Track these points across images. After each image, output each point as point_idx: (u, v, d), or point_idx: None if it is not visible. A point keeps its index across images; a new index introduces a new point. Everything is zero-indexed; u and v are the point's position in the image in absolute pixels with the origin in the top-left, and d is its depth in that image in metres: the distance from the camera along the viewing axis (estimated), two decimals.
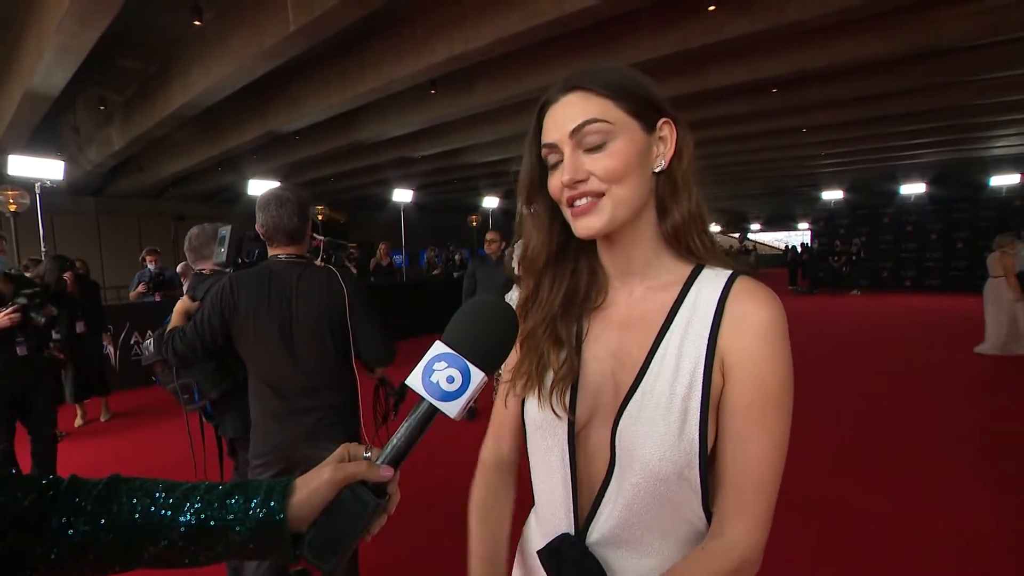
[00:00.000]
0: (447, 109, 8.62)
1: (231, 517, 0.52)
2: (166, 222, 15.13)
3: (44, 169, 6.72)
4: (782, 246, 30.97)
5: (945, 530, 2.52)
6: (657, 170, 0.65)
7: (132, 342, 5.88)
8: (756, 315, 0.61)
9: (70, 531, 0.50)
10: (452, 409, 0.52)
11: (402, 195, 12.93)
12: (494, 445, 0.81)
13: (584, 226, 0.64)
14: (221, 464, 2.09)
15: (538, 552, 0.70)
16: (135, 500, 0.53)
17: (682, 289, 0.66)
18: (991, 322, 6.36)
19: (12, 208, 7.24)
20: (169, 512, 0.52)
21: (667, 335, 0.64)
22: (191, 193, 15.08)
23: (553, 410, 0.67)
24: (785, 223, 33.07)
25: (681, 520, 0.65)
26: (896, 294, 13.97)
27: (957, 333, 6.86)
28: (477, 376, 0.53)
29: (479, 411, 4.03)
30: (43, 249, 6.54)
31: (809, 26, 5.82)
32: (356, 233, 19.34)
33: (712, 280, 0.66)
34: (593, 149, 0.62)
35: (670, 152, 0.65)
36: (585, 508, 0.68)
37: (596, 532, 0.66)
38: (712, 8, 5.61)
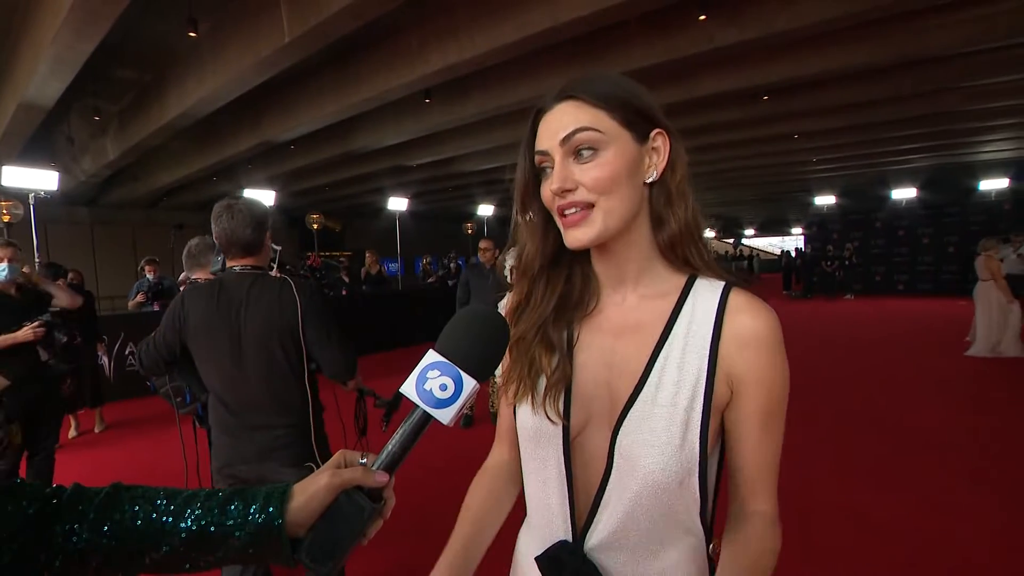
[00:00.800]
0: (442, 118, 8.68)
1: (231, 523, 0.53)
2: (161, 232, 15.09)
3: (38, 179, 6.70)
4: (777, 251, 31.16)
5: (940, 534, 2.53)
6: (649, 180, 0.66)
7: (127, 352, 5.85)
8: (757, 329, 0.63)
9: (74, 538, 0.52)
10: (445, 416, 0.53)
11: (397, 203, 12.94)
12: (499, 451, 0.82)
13: (574, 238, 0.64)
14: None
15: (536, 559, 0.70)
16: (137, 507, 0.54)
17: (678, 299, 0.67)
18: (981, 324, 6.46)
19: (6, 219, 7.22)
20: (170, 519, 0.53)
21: (667, 345, 0.65)
22: (186, 203, 15.06)
23: (547, 416, 0.68)
24: (779, 228, 33.29)
25: (678, 526, 0.66)
26: (889, 298, 14.06)
27: (950, 336, 6.91)
28: (469, 384, 0.54)
29: (475, 420, 4.03)
30: (36, 260, 6.51)
31: (799, 35, 5.91)
32: (351, 241, 19.36)
33: (707, 291, 0.67)
34: (583, 158, 0.63)
35: (663, 163, 0.65)
36: (582, 515, 0.67)
37: (594, 538, 0.66)
38: (702, 18, 5.69)
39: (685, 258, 0.68)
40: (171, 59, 7.29)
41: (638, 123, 0.64)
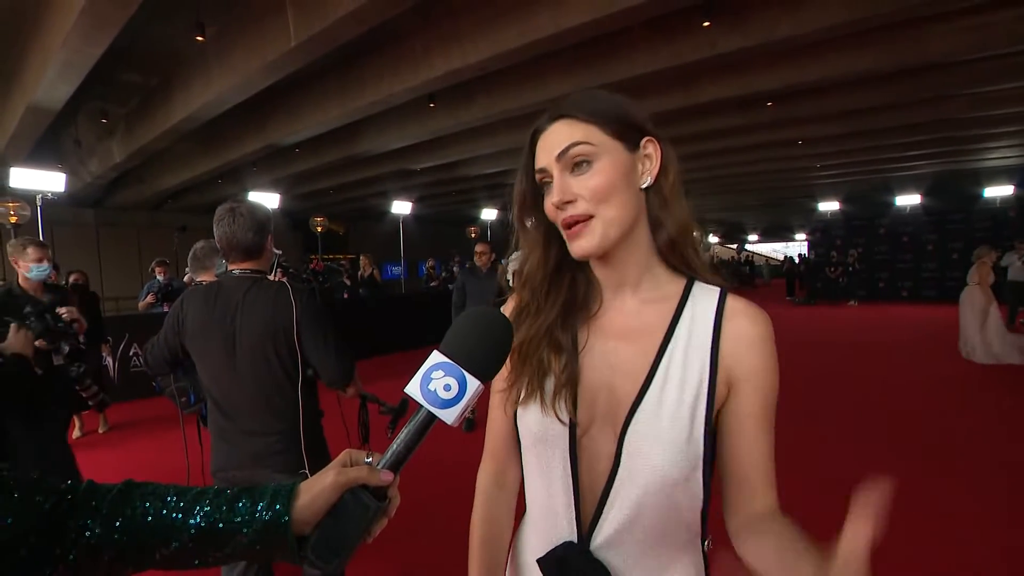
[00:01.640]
0: (446, 122, 8.71)
1: (239, 520, 0.54)
2: (166, 234, 15.15)
3: (45, 181, 6.76)
4: (780, 257, 31.09)
5: (942, 535, 2.52)
6: (644, 186, 0.69)
7: (131, 353, 5.87)
8: (754, 332, 0.68)
9: (87, 533, 0.53)
10: (449, 416, 0.55)
11: (401, 207, 12.99)
12: (492, 468, 0.82)
13: (578, 247, 0.68)
14: None
15: (539, 560, 0.72)
16: (148, 503, 0.55)
17: (679, 303, 0.71)
18: (966, 326, 6.57)
19: (13, 220, 7.27)
20: (180, 515, 0.55)
21: (670, 346, 0.68)
22: (191, 205, 15.13)
23: (556, 415, 0.69)
24: (782, 234, 33.21)
25: (680, 523, 0.68)
26: (893, 304, 14.01)
27: (953, 342, 6.88)
28: (473, 384, 0.55)
29: (477, 423, 4.03)
30: None
31: (802, 41, 5.93)
32: (355, 245, 19.41)
33: (705, 295, 0.71)
34: (579, 171, 0.67)
35: (655, 168, 0.69)
36: (587, 515, 0.69)
37: (600, 537, 0.68)
38: (706, 24, 5.71)
39: (684, 259, 0.72)
40: (178, 63, 7.35)
41: (628, 133, 0.68)
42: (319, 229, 12.34)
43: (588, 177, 0.66)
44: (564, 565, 0.69)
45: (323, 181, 13.21)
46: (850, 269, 14.49)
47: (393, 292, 9.53)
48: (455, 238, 20.08)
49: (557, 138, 0.68)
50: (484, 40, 5.87)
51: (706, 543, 0.73)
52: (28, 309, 2.14)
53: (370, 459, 0.57)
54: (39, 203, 6.77)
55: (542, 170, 0.70)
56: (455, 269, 11.35)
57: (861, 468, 3.39)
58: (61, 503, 0.54)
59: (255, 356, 1.57)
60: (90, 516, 0.54)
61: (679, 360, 0.67)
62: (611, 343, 0.71)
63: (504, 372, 0.74)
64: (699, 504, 0.67)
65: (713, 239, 30.99)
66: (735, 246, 33.58)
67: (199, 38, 5.76)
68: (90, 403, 2.45)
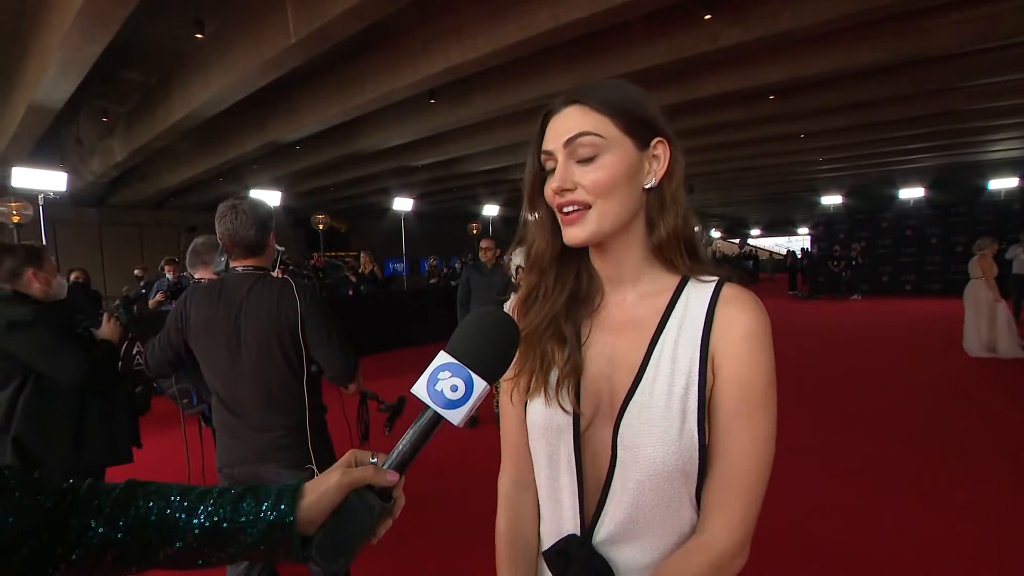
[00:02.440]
0: (446, 119, 8.69)
1: (243, 520, 0.54)
2: (167, 232, 15.20)
3: (47, 181, 6.78)
4: (783, 251, 31.02)
5: (944, 533, 2.52)
6: (647, 186, 0.68)
7: (134, 352, 5.88)
8: (742, 319, 0.65)
9: (90, 532, 0.53)
10: (456, 417, 0.54)
11: (402, 204, 12.99)
12: (513, 470, 0.81)
13: (570, 235, 0.68)
14: None
15: (543, 553, 0.72)
16: (151, 503, 0.55)
17: (673, 295, 0.70)
18: (971, 323, 6.48)
19: (15, 219, 7.29)
20: (184, 515, 0.54)
21: (661, 338, 0.68)
22: (192, 203, 15.14)
23: (560, 406, 0.69)
24: (785, 228, 33.14)
25: (681, 517, 0.67)
26: (897, 298, 13.97)
27: (956, 336, 6.85)
28: (480, 385, 0.55)
29: (479, 419, 4.04)
30: None
31: (803, 34, 5.89)
32: (357, 242, 19.42)
33: (700, 287, 0.70)
34: (585, 161, 0.66)
35: (661, 171, 0.68)
36: (591, 508, 0.69)
37: (603, 531, 0.68)
38: (707, 17, 5.67)
39: (672, 262, 0.71)
40: (177, 61, 7.34)
41: (640, 131, 0.67)
42: (321, 227, 12.35)
43: (592, 169, 0.65)
44: (567, 559, 0.69)
45: (324, 178, 13.21)
46: (853, 263, 14.44)
47: (386, 289, 9.47)
48: (456, 234, 20.09)
49: (568, 123, 0.66)
50: (483, 36, 5.85)
51: None
52: (118, 302, 2.35)
53: (375, 459, 0.57)
54: (41, 202, 6.79)
55: (548, 152, 0.69)
56: (457, 266, 11.34)
57: (859, 460, 3.38)
58: (63, 502, 0.53)
59: (260, 352, 1.57)
60: (93, 516, 0.53)
61: (669, 352, 0.66)
62: (610, 336, 0.72)
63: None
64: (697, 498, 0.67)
65: (715, 234, 30.95)
66: (737, 241, 33.52)
67: (198, 36, 5.75)
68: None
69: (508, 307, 0.77)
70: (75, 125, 9.50)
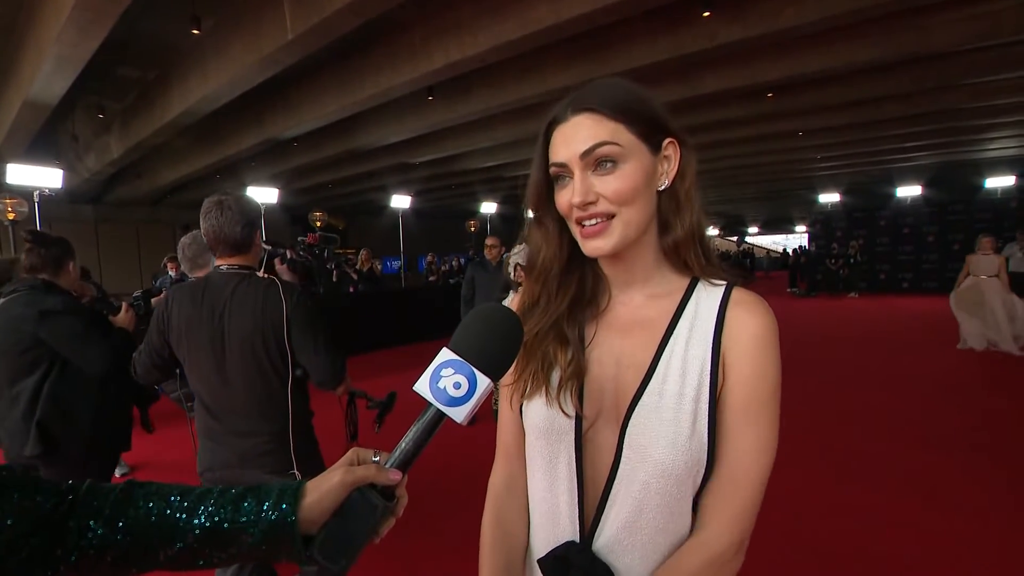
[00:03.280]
0: (445, 115, 8.67)
1: (244, 520, 0.53)
2: (164, 229, 15.16)
3: (43, 177, 6.74)
4: (780, 249, 31.10)
5: (945, 532, 2.53)
6: (661, 188, 0.68)
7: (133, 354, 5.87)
8: (752, 323, 0.65)
9: (89, 534, 0.52)
10: (459, 414, 0.54)
11: (400, 201, 12.95)
12: (504, 469, 0.80)
13: (594, 247, 0.66)
14: None
15: (539, 561, 0.70)
16: (151, 504, 0.54)
17: (683, 297, 0.70)
18: (974, 321, 6.48)
19: (11, 216, 7.25)
20: (184, 515, 0.54)
21: (672, 339, 0.67)
22: (189, 200, 15.09)
23: (562, 409, 0.68)
24: (783, 226, 33.19)
25: (682, 521, 0.66)
26: (894, 296, 14.00)
27: (953, 334, 6.88)
28: (483, 382, 0.54)
29: (477, 417, 4.03)
30: None
31: (803, 32, 5.89)
32: (355, 239, 19.39)
33: (711, 288, 0.69)
34: (602, 170, 0.64)
35: (673, 171, 0.67)
36: (590, 512, 0.68)
37: (603, 536, 0.67)
38: (706, 15, 5.66)
39: (686, 262, 0.70)
40: (174, 57, 7.31)
41: (652, 133, 0.66)
42: (318, 224, 12.31)
43: (613, 179, 0.63)
44: (565, 565, 0.67)
45: (322, 175, 13.19)
46: (851, 261, 14.48)
47: (384, 286, 9.44)
48: (454, 232, 20.07)
49: (580, 133, 0.64)
50: (483, 32, 5.83)
51: None
52: (137, 292, 2.39)
53: (378, 458, 0.56)
54: (37, 199, 6.75)
55: (561, 164, 0.66)
56: (455, 264, 11.33)
57: (859, 458, 3.39)
58: (62, 504, 0.53)
59: (244, 355, 1.52)
60: (92, 517, 0.53)
61: (680, 353, 0.66)
62: (617, 337, 0.71)
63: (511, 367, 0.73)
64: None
65: (713, 231, 30.99)
66: (735, 239, 33.56)
67: (195, 31, 5.71)
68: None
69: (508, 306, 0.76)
70: (71, 121, 9.45)
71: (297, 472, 1.56)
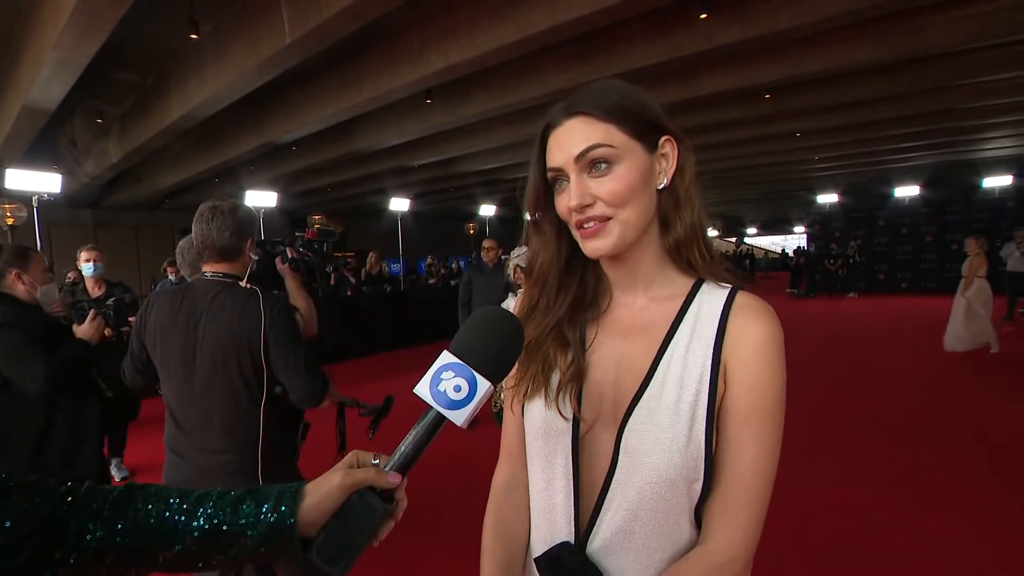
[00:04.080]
0: (443, 118, 8.67)
1: (243, 522, 0.54)
2: (164, 233, 15.15)
3: (42, 182, 6.73)
4: (779, 250, 31.10)
5: (944, 532, 2.53)
6: (660, 187, 0.67)
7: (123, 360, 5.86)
8: (757, 330, 0.64)
9: (88, 536, 0.52)
10: (459, 417, 0.54)
11: (399, 204, 12.95)
12: (507, 470, 0.80)
13: (593, 248, 0.66)
14: None
15: (535, 560, 0.70)
16: (150, 506, 0.54)
17: (685, 300, 0.69)
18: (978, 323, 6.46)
19: (10, 222, 7.26)
20: (183, 517, 0.54)
21: (672, 343, 0.66)
22: (188, 204, 15.05)
23: (560, 411, 0.68)
24: (781, 227, 33.20)
25: (679, 529, 0.66)
26: (893, 296, 14.02)
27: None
28: (483, 385, 0.54)
29: (478, 419, 4.03)
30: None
31: (800, 33, 5.90)
32: (354, 242, 19.39)
33: (714, 293, 0.68)
34: (597, 172, 0.64)
35: (672, 169, 0.67)
36: (586, 515, 0.68)
37: (598, 539, 0.66)
38: (704, 16, 5.67)
39: (690, 261, 0.70)
40: (173, 61, 7.31)
41: (647, 133, 0.65)
42: (317, 227, 12.31)
43: (608, 180, 0.64)
44: (558, 566, 0.67)
45: (321, 179, 13.18)
46: (850, 261, 14.49)
47: (392, 289, 9.47)
48: (453, 234, 20.07)
49: (574, 137, 0.64)
50: (481, 34, 5.84)
51: None
52: (110, 300, 2.25)
53: (377, 461, 0.56)
54: (35, 204, 6.75)
55: (557, 169, 0.66)
56: (454, 267, 11.33)
57: (859, 458, 3.39)
58: (61, 506, 0.53)
59: (215, 367, 1.46)
60: (91, 519, 0.53)
61: (680, 357, 0.65)
62: (618, 340, 0.70)
63: (513, 369, 0.73)
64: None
65: (712, 232, 30.95)
66: (734, 240, 33.58)
67: (193, 36, 5.72)
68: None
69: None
70: (70, 126, 9.45)
71: None
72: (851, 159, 13.87)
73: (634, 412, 0.65)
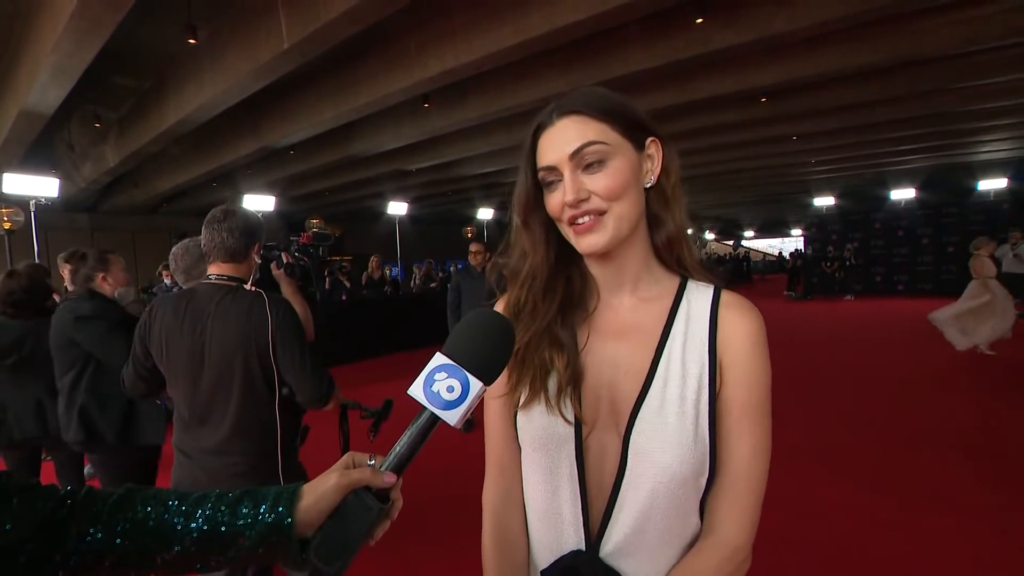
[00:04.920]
0: (441, 122, 8.70)
1: (241, 523, 0.54)
2: (161, 238, 15.10)
3: (39, 187, 6.71)
4: (775, 253, 31.19)
5: (943, 532, 2.53)
6: (647, 186, 0.70)
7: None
8: (746, 326, 0.67)
9: (88, 538, 0.53)
10: (452, 417, 0.54)
11: (397, 208, 12.96)
12: (500, 483, 0.77)
13: (588, 243, 0.67)
14: None
15: (544, 571, 0.70)
16: (149, 508, 0.55)
17: (674, 300, 0.71)
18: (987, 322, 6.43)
19: (7, 226, 7.24)
20: (181, 519, 0.54)
21: (668, 343, 0.68)
22: (185, 209, 15.08)
23: (562, 415, 0.67)
24: (779, 230, 33.29)
25: (689, 524, 0.67)
26: (890, 298, 14.05)
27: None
28: (476, 386, 0.55)
29: (476, 423, 4.02)
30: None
31: (796, 37, 5.94)
32: (352, 246, 19.38)
33: (700, 292, 0.71)
34: (592, 169, 0.65)
35: (657, 168, 0.70)
36: (595, 519, 0.67)
37: (610, 543, 0.66)
38: (700, 20, 5.71)
39: (678, 258, 0.72)
40: (170, 66, 7.32)
41: (635, 133, 0.68)
42: (315, 231, 12.32)
43: (602, 176, 0.65)
44: (573, 575, 0.67)
45: (318, 183, 13.19)
46: (846, 264, 14.53)
47: (393, 293, 9.46)
48: (451, 238, 20.07)
49: (569, 135, 0.66)
50: (478, 39, 5.86)
51: None
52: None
53: (373, 461, 0.57)
54: (33, 209, 6.73)
55: (550, 168, 0.67)
56: (452, 269, 11.32)
57: (857, 460, 3.39)
58: (61, 508, 0.53)
59: (223, 370, 1.47)
60: (91, 521, 0.53)
61: (678, 357, 0.67)
62: (610, 342, 0.71)
63: (502, 379, 0.71)
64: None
65: (709, 236, 31.08)
66: (731, 242, 33.66)
67: (191, 40, 5.73)
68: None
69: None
70: (67, 131, 9.44)
71: None
72: (847, 162, 13.95)
73: (640, 412, 0.65)
